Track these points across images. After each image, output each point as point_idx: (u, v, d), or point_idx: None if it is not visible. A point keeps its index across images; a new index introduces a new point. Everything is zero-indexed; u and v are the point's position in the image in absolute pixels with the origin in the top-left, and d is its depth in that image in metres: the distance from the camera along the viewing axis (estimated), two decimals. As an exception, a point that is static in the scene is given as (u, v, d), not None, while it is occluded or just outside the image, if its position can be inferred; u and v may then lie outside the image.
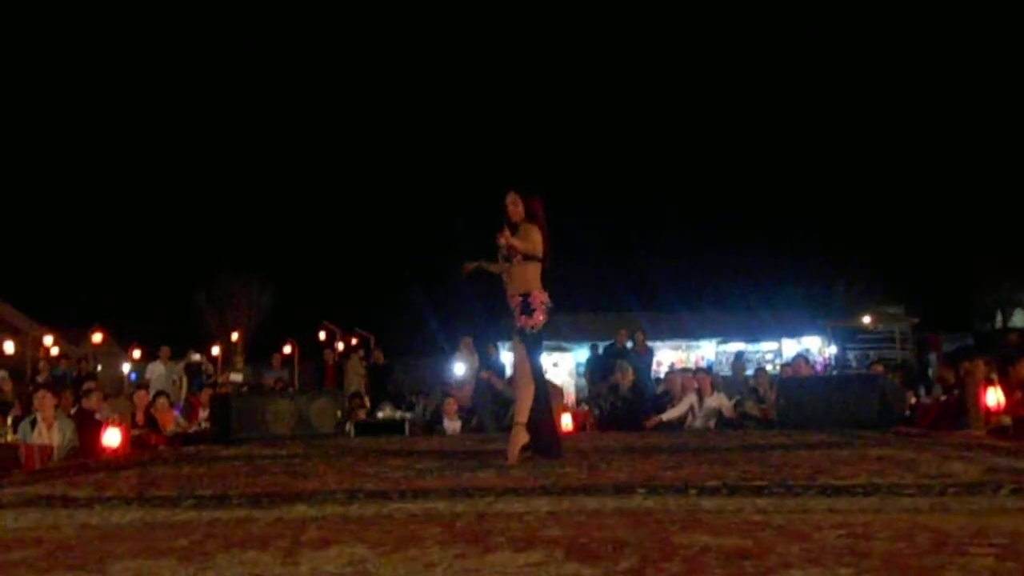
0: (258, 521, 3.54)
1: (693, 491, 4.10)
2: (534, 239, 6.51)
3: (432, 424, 12.57)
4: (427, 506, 3.84)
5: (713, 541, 2.80)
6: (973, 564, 2.41)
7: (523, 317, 6.49)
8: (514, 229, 6.63)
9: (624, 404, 12.23)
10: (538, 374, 6.56)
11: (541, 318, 6.49)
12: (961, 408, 9.45)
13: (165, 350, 16.49)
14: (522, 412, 6.40)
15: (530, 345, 6.52)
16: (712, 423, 11.41)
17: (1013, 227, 31.90)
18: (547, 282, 6.67)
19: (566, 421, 11.45)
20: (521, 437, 6.31)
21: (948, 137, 39.04)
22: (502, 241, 6.47)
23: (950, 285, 30.68)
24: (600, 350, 16.81)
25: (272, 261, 31.56)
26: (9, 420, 10.11)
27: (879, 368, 12.78)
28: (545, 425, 6.51)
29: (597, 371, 15.64)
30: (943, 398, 10.95)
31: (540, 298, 6.52)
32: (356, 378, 16.20)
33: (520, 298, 6.51)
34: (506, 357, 18.16)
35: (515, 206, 6.66)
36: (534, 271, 6.57)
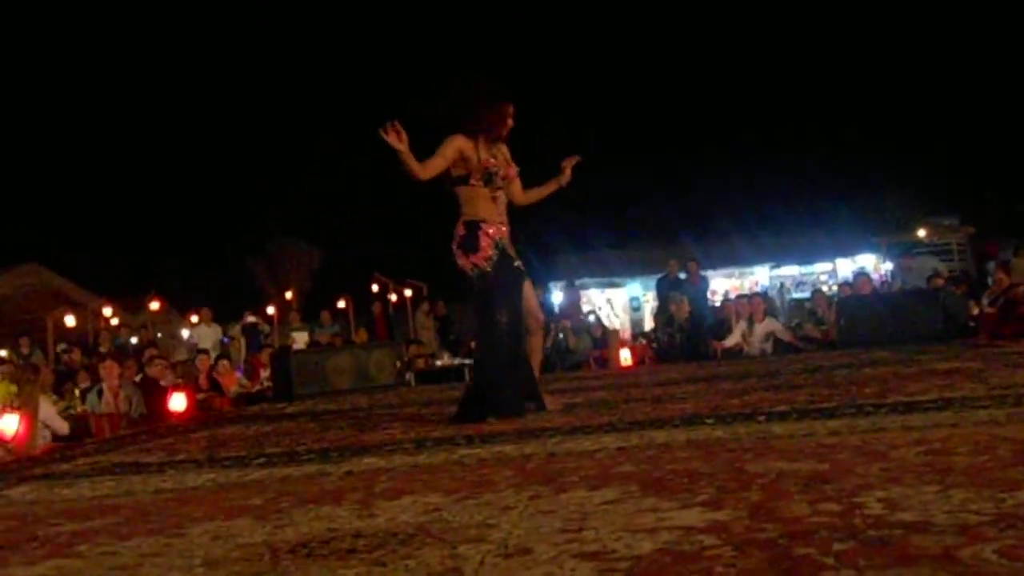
0: (330, 475, 3.55)
1: (762, 418, 4.05)
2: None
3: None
4: (496, 450, 3.83)
5: (789, 467, 2.75)
6: (1062, 474, 2.34)
7: (462, 254, 5.23)
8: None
9: (682, 335, 12.19)
10: (494, 330, 5.16)
11: (486, 256, 5.16)
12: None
13: (205, 312, 16.62)
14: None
15: (477, 292, 5.24)
16: (768, 347, 11.35)
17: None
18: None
19: (625, 356, 11.47)
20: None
21: (990, 39, 37.77)
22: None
23: (1004, 190, 29.88)
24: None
25: (319, 218, 31.67)
26: (77, 392, 10.33)
27: (939, 281, 12.54)
28: (525, 383, 5.42)
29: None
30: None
31: (488, 231, 5.20)
32: (425, 332, 16.19)
33: (463, 228, 5.24)
34: (557, 298, 18.22)
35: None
36: (485, 194, 5.27)
